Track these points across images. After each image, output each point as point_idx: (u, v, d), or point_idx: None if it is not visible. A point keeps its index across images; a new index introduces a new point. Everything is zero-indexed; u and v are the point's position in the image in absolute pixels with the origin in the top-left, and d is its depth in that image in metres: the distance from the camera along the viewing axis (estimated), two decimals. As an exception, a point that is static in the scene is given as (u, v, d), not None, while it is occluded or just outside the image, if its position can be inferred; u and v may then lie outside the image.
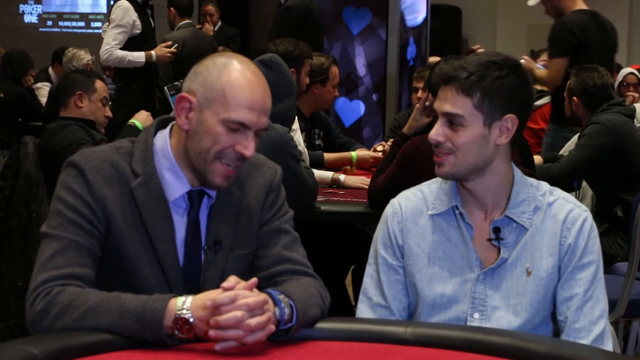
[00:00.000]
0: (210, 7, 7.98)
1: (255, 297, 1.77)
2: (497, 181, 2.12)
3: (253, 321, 1.74)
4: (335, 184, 4.10)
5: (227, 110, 1.91)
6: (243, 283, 1.80)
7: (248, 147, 1.93)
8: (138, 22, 6.12)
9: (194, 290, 1.91)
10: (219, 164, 1.94)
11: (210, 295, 1.77)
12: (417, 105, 3.55)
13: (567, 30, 5.17)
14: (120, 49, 6.07)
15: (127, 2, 6.11)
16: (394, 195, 2.26)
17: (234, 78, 1.93)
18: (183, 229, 1.99)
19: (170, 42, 6.29)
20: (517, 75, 2.08)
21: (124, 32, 6.03)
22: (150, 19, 6.32)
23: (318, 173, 3.79)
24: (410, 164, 3.15)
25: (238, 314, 1.73)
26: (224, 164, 1.94)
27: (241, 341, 1.74)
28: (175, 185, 1.98)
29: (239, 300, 1.75)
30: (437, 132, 2.08)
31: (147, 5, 6.27)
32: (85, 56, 6.94)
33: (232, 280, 1.79)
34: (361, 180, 4.07)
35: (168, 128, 2.02)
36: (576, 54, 5.08)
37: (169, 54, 6.17)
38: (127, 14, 6.06)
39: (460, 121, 2.06)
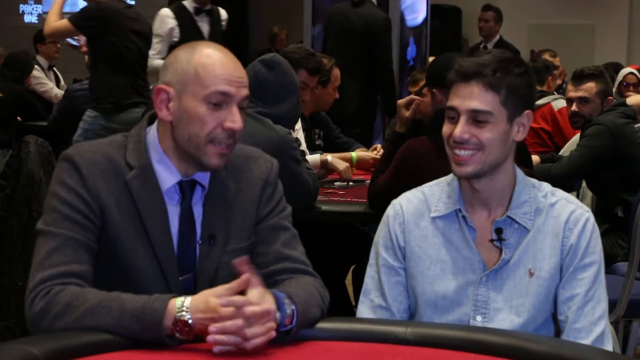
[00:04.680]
0: None
1: (256, 308, 1.76)
2: (505, 180, 2.13)
3: (250, 331, 1.74)
4: (324, 166, 4.14)
5: (205, 88, 1.93)
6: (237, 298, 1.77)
7: (235, 120, 1.94)
8: (176, 30, 6.02)
9: (189, 282, 1.93)
10: (211, 146, 1.95)
11: (209, 296, 1.77)
12: (399, 100, 3.63)
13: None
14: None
15: (167, 9, 6.05)
16: (393, 198, 2.26)
17: (204, 58, 1.95)
18: (177, 220, 1.99)
19: None
20: (529, 73, 2.11)
21: (161, 41, 6.00)
22: (207, 25, 6.13)
23: (307, 157, 3.82)
24: (409, 168, 3.13)
25: (239, 322, 1.73)
26: (217, 145, 1.95)
27: (240, 346, 1.74)
28: (166, 176, 1.98)
29: (243, 309, 1.74)
30: (463, 130, 2.06)
31: (202, 11, 6.10)
32: None
33: (243, 279, 1.79)
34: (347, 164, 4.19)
35: (156, 122, 2.03)
36: None
37: None
38: (163, 23, 6.01)
39: (487, 118, 2.05)
